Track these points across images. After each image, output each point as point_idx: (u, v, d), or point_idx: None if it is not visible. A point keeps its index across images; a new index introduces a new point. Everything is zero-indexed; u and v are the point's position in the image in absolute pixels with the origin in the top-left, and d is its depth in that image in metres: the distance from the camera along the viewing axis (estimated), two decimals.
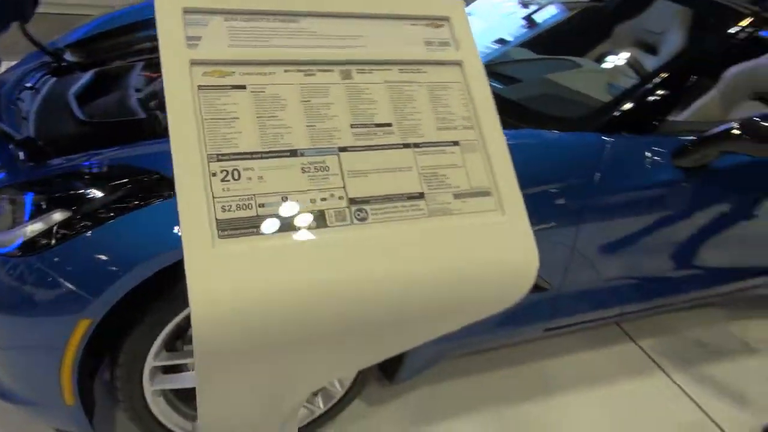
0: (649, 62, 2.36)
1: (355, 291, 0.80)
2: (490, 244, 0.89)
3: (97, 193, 1.23)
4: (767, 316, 2.52)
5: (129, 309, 1.25)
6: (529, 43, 2.45)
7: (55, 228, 1.20)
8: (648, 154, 1.73)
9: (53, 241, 1.18)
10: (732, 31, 1.92)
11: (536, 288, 1.76)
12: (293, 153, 0.83)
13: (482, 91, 0.97)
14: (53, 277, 1.17)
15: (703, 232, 1.93)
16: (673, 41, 2.51)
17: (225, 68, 0.84)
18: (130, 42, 2.21)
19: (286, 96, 0.86)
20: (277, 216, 0.79)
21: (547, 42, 2.53)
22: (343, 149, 0.86)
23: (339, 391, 1.62)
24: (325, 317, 0.79)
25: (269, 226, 0.78)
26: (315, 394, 1.64)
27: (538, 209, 1.47)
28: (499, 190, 0.92)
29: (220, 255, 0.74)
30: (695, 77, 1.89)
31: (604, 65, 2.35)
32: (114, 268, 1.17)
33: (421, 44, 0.97)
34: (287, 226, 0.79)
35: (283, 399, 0.90)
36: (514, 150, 0.95)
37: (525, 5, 2.61)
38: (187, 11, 0.84)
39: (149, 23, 2.32)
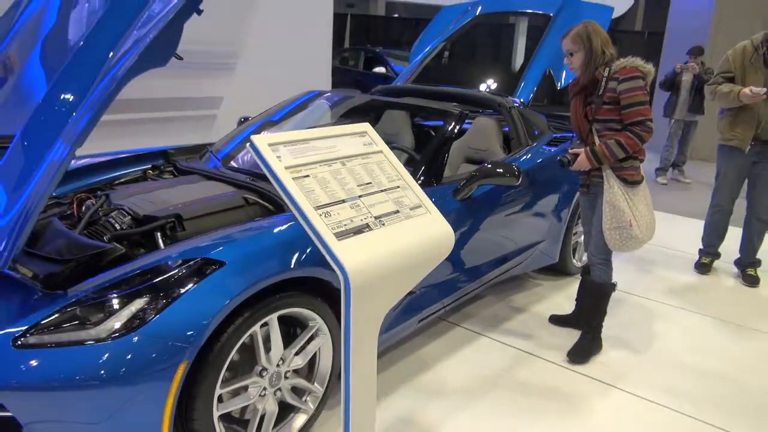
0: (406, 147, 3.64)
1: (390, 252, 1.68)
2: (431, 227, 1.85)
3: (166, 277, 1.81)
4: (533, 286, 3.91)
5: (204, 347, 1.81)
6: None
7: (137, 310, 1.74)
8: (441, 196, 2.89)
9: (148, 316, 1.72)
10: (448, 124, 3.24)
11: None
12: (341, 201, 1.68)
13: (395, 161, 1.95)
14: (156, 339, 1.70)
15: (480, 236, 3.16)
16: (407, 137, 3.86)
17: (297, 169, 1.66)
18: None
19: (326, 177, 1.71)
20: (353, 228, 1.63)
21: None
22: (360, 196, 1.74)
23: (321, 390, 2.29)
24: (386, 263, 1.64)
25: (352, 232, 1.61)
26: (302, 398, 2.27)
27: None
28: (424, 204, 1.89)
29: (343, 246, 1.55)
30: (442, 152, 3.15)
31: None
32: (203, 320, 1.76)
33: (362, 146, 1.92)
34: (358, 231, 1.63)
35: (389, 304, 1.70)
36: None
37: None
38: (270, 145, 1.65)
39: None
